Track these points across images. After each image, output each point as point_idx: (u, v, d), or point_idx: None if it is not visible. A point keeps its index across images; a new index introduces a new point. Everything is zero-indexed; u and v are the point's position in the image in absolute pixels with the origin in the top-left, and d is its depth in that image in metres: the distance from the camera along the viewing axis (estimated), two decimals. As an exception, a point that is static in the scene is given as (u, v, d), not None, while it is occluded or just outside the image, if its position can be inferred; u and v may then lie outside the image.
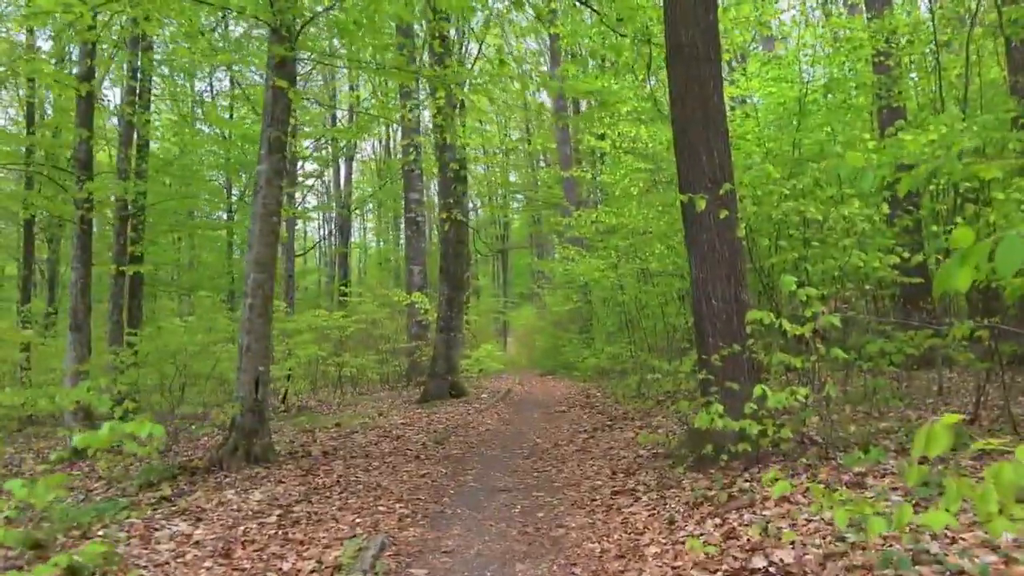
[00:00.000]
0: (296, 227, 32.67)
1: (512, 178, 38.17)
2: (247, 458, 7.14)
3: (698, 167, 5.60)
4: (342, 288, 26.31)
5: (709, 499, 4.68)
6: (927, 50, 10.48)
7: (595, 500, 5.25)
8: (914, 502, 3.64)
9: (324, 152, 28.46)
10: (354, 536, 4.39)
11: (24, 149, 13.77)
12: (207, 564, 3.88)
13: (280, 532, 4.55)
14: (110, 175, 12.90)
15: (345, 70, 24.84)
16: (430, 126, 17.10)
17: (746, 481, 4.94)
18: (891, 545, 3.10)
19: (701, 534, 4.01)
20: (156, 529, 4.52)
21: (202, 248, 27.96)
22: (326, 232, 39.29)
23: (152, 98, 17.08)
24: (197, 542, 4.29)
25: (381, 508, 5.20)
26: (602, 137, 14.76)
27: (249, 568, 3.83)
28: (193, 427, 9.55)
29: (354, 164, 34.22)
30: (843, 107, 10.03)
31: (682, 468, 5.57)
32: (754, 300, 5.73)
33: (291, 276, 22.88)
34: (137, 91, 13.44)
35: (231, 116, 26.59)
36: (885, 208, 6.17)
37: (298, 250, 30.60)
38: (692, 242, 5.68)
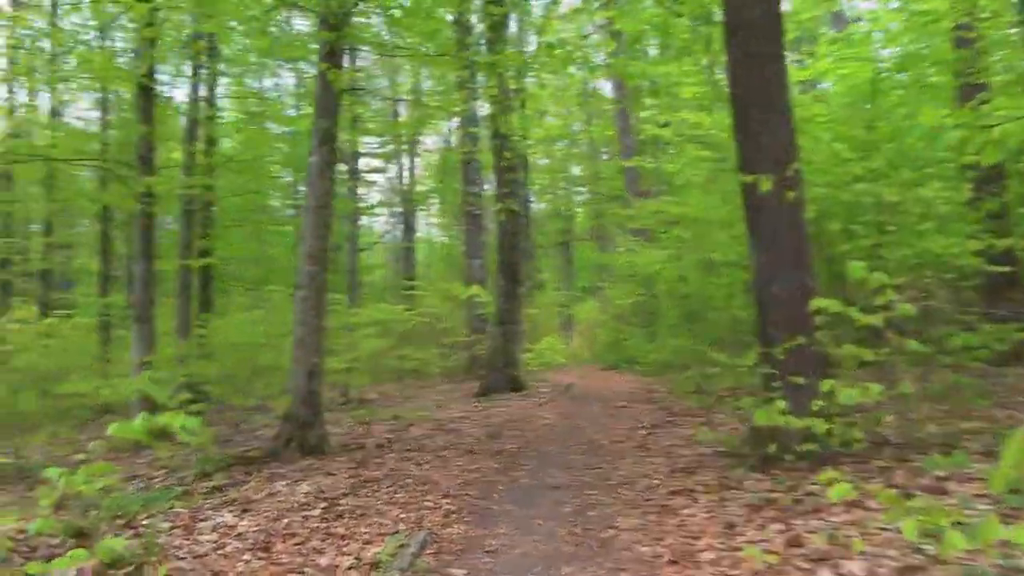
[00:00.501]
0: (360, 223, 33.19)
1: (575, 171, 37.73)
2: (301, 449, 7.14)
3: (760, 147, 5.26)
4: (406, 282, 26.47)
5: (772, 502, 4.38)
6: (1012, 24, 9.72)
7: (650, 500, 4.99)
8: (1002, 512, 3.28)
9: (388, 148, 28.77)
10: (396, 532, 4.27)
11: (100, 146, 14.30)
12: (245, 557, 3.81)
13: (323, 525, 4.46)
14: (175, 170, 13.22)
15: (406, 66, 25.00)
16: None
17: (813, 484, 4.60)
18: (976, 560, 2.77)
19: (762, 541, 3.73)
20: (201, 519, 4.50)
21: (270, 243, 28.69)
22: (391, 227, 39.61)
23: (218, 96, 17.57)
24: (240, 534, 4.25)
25: (428, 503, 5.07)
26: (664, 125, 14.36)
27: (287, 562, 3.75)
28: (252, 418, 9.67)
29: (417, 160, 34.46)
30: (919, 86, 9.40)
31: (744, 468, 5.26)
32: (822, 289, 5.35)
33: (354, 271, 23.17)
34: (200, 89, 13.78)
35: (297, 112, 27.19)
36: (967, 190, 5.69)
37: (362, 245, 31.06)
38: (754, 226, 5.35)
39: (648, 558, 3.77)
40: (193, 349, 8.81)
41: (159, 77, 10.85)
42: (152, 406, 8.78)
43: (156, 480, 6.86)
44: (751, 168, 5.26)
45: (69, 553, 3.17)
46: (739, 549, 3.61)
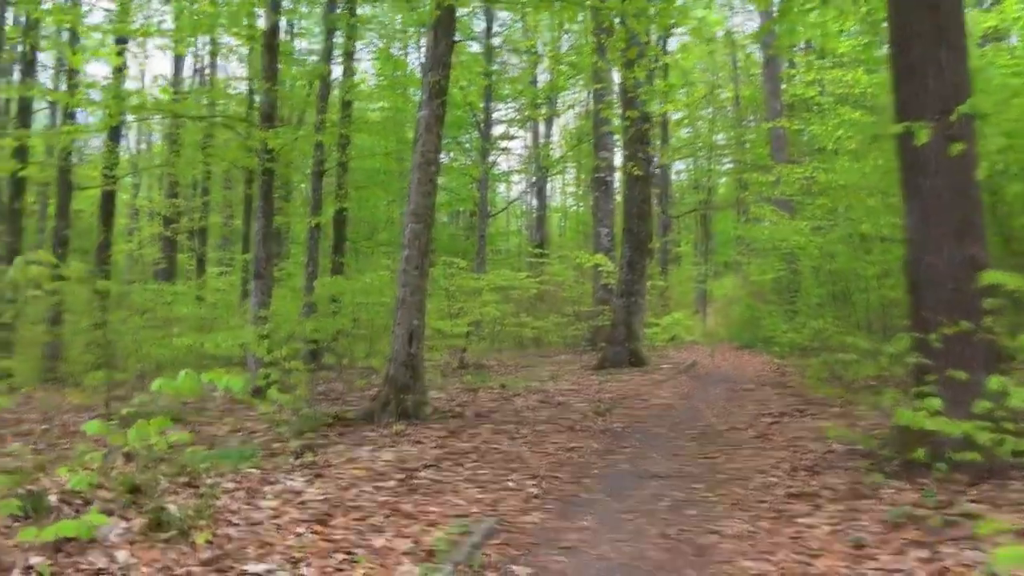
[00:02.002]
0: (491, 189, 33.18)
1: (719, 140, 35.74)
2: (397, 414, 6.94)
3: (922, 89, 4.31)
4: (533, 250, 26.18)
5: (915, 520, 3.59)
6: None
7: (763, 502, 4.30)
8: None
9: (523, 113, 28.41)
10: (466, 515, 3.87)
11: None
12: (300, 529, 3.54)
13: (392, 500, 4.14)
14: (296, 129, 13.43)
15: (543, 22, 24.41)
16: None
17: (971, 502, 3.75)
18: None
19: (898, 571, 3.00)
20: (270, 483, 4.31)
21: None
22: (524, 194, 39.44)
23: (354, 58, 17.82)
24: (303, 502, 4.00)
25: (510, 484, 4.64)
26: (816, 84, 13.03)
27: (340, 539, 3.43)
28: (370, 378, 9.67)
29: (554, 127, 33.86)
30: None
31: (882, 475, 4.43)
32: (994, 266, 4.36)
33: (482, 236, 23.06)
34: (333, 49, 13.89)
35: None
36: None
37: (492, 211, 31.06)
38: (909, 187, 4.43)
39: (750, 576, 3.14)
40: (320, 304, 8.73)
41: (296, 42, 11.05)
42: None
43: (257, 435, 6.89)
44: (908, 114, 4.33)
45: (91, 512, 3.00)
46: (867, 579, 2.91)
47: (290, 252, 21.92)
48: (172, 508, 3.41)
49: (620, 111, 13.13)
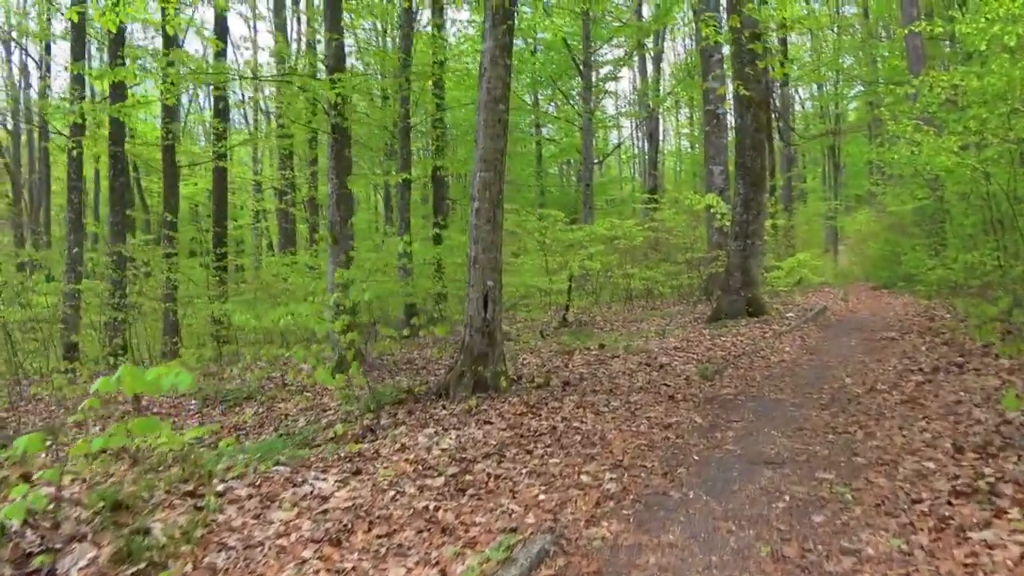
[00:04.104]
0: (600, 136, 31.79)
1: (847, 62, 32.40)
2: (475, 385, 6.21)
3: None
4: (646, 196, 24.82)
5: None
6: None
7: (919, 503, 3.22)
8: None
9: (624, 54, 26.74)
10: (516, 529, 3.05)
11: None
12: (306, 553, 2.86)
13: (434, 505, 3.39)
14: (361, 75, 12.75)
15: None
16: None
17: None
18: None
19: None
20: (295, 485, 3.66)
21: (513, 161, 28.64)
22: (627, 139, 37.73)
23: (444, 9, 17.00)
24: (325, 511, 3.32)
25: (584, 479, 3.77)
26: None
27: (348, 569, 2.71)
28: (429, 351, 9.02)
29: (663, 63, 31.83)
30: None
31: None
32: None
33: (588, 185, 22.02)
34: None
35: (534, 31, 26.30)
36: None
37: (597, 158, 29.74)
38: None
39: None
40: (357, 274, 8.10)
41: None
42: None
43: (328, 413, 6.38)
44: None
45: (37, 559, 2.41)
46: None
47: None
48: (156, 529, 2.81)
49: (724, 22, 11.57)
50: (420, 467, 3.99)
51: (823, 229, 30.95)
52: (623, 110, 37.64)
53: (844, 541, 2.90)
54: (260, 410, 6.92)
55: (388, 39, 21.10)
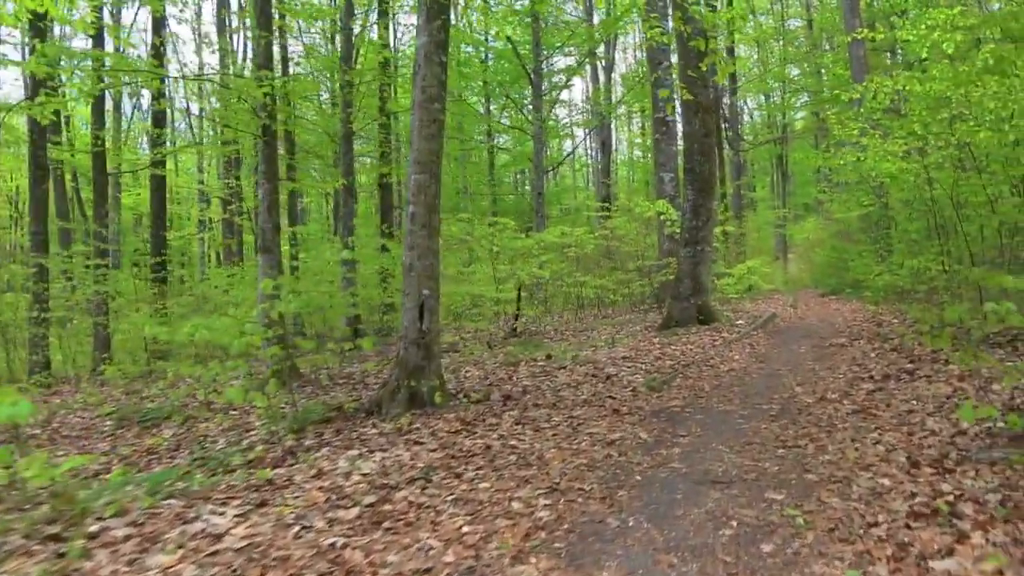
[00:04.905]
0: (553, 145, 31.68)
1: (793, 73, 32.98)
2: (410, 401, 5.82)
3: None
4: (599, 204, 24.80)
5: None
6: None
7: (875, 527, 2.95)
8: None
9: (575, 62, 26.71)
10: (430, 571, 2.68)
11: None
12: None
13: (341, 543, 2.99)
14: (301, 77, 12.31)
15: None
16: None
17: None
18: None
19: None
20: (186, 521, 3.22)
21: (466, 169, 28.34)
22: (577, 147, 37.75)
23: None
24: (215, 552, 2.90)
25: (515, 506, 3.42)
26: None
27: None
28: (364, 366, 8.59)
29: (614, 74, 31.93)
30: None
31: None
32: None
33: (540, 193, 21.83)
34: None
35: (486, 39, 26.15)
36: None
37: (547, 166, 29.58)
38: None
39: None
40: (288, 282, 7.64)
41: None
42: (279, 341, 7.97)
43: (252, 433, 5.91)
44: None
45: None
46: None
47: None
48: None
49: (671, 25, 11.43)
50: (334, 496, 3.59)
51: (773, 237, 31.36)
52: (576, 119, 37.74)
53: (796, 574, 2.61)
54: (179, 431, 6.41)
55: (333, 45, 20.65)
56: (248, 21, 20.89)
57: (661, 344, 9.09)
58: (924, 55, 11.38)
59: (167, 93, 23.53)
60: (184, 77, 10.06)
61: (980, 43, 11.06)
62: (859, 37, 13.71)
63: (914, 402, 5.10)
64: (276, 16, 10.50)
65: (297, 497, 3.58)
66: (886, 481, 3.51)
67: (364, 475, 3.92)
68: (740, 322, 11.14)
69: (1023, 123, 7.43)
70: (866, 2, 20.77)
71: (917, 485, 3.39)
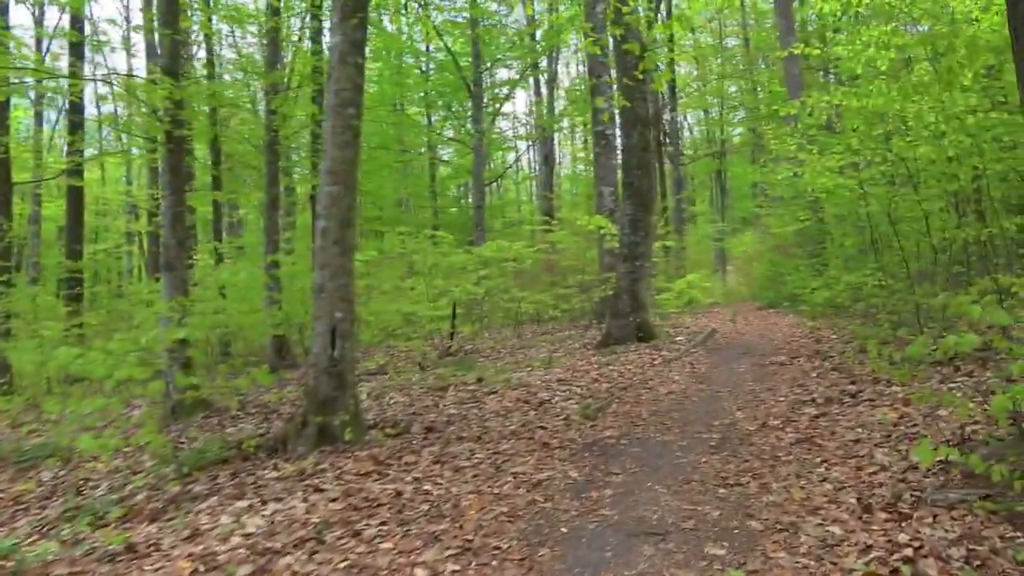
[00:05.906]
0: (496, 158, 31.35)
1: (731, 89, 33.49)
2: (319, 437, 5.25)
3: None
4: (540, 218, 24.53)
5: None
6: None
7: (827, 591, 2.55)
8: None
9: (518, 74, 26.46)
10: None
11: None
12: None
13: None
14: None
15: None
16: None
17: None
18: None
19: None
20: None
21: (408, 181, 27.71)
22: (517, 161, 37.55)
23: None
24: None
25: (418, 573, 2.92)
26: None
27: None
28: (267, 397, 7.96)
29: (557, 88, 31.81)
30: None
31: (1006, 506, 2.67)
32: None
33: (479, 207, 21.46)
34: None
35: (428, 49, 25.70)
36: None
37: (487, 179, 29.21)
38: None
39: None
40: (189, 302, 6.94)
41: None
42: (184, 366, 7.32)
43: (140, 476, 5.26)
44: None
45: None
46: None
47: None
48: None
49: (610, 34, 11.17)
50: (202, 568, 3.02)
51: (712, 250, 31.60)
52: (518, 132, 37.51)
53: (740, 662, 2.18)
54: (60, 472, 5.70)
55: (258, 52, 19.90)
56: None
57: (599, 364, 8.70)
58: (858, 72, 11.37)
59: (87, 98, 22.34)
60: (75, 77, 9.25)
61: (911, 61, 11.13)
62: (795, 52, 13.71)
63: (859, 430, 4.79)
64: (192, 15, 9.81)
65: (157, 572, 3.00)
66: (836, 529, 3.14)
67: (246, 536, 3.36)
68: (680, 339, 10.87)
69: (961, 138, 7.30)
70: (802, 19, 21.13)
71: (871, 535, 3.02)
